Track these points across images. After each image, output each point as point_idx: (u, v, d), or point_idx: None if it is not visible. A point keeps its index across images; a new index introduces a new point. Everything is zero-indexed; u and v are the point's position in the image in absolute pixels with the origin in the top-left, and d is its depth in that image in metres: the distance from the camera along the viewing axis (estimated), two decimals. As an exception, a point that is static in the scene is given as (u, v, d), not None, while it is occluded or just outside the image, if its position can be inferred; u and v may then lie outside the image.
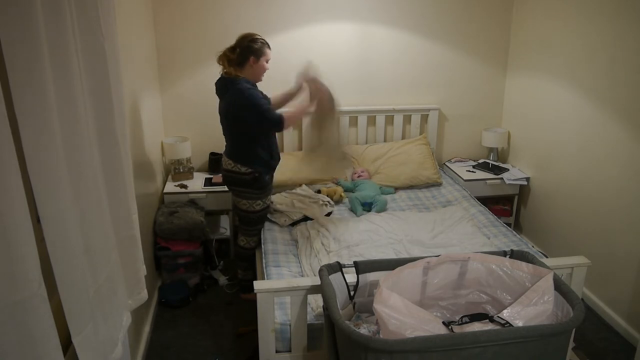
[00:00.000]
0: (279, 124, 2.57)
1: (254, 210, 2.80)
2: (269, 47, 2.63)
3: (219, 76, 2.70)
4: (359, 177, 3.52)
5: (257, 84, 2.69)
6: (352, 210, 3.19)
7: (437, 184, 3.61)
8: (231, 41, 3.46)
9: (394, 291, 1.67)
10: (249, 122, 2.57)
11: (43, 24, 1.12)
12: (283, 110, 2.66)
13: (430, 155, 3.68)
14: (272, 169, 2.82)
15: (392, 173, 3.56)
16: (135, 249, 1.86)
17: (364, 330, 1.77)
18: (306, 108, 2.67)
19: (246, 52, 2.55)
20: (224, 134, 2.77)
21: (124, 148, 1.71)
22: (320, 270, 1.90)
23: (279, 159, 2.85)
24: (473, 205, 3.24)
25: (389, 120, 3.87)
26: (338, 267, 1.94)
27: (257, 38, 2.60)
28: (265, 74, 2.68)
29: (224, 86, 2.66)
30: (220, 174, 2.97)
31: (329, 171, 3.06)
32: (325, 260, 2.50)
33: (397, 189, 3.56)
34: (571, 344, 2.24)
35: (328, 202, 3.22)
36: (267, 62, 2.63)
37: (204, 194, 3.38)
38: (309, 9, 3.51)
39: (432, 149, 3.83)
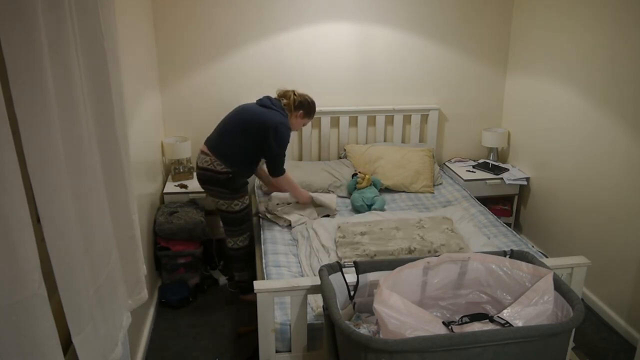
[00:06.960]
0: (278, 174, 2.89)
1: (234, 211, 2.82)
2: (311, 118, 3.01)
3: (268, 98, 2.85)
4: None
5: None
6: (355, 208, 3.20)
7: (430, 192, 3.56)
8: (231, 41, 3.51)
9: (394, 291, 1.67)
10: (265, 149, 2.77)
11: (43, 24, 1.12)
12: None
13: (430, 167, 3.62)
14: (247, 176, 2.89)
15: (389, 173, 3.54)
16: (135, 249, 1.86)
17: (364, 330, 1.77)
18: (299, 196, 3.06)
19: (303, 104, 2.90)
20: (221, 132, 2.78)
21: (124, 148, 1.71)
22: (320, 270, 1.90)
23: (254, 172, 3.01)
24: (473, 205, 3.24)
25: (389, 120, 3.87)
26: (338, 267, 1.94)
27: (314, 107, 2.98)
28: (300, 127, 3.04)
29: (269, 107, 2.77)
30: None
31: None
32: (325, 260, 2.50)
33: (390, 189, 3.51)
34: (571, 344, 2.24)
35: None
36: (304, 124, 3.02)
37: (204, 194, 3.36)
38: (309, 9, 3.51)
39: (434, 157, 3.78)
